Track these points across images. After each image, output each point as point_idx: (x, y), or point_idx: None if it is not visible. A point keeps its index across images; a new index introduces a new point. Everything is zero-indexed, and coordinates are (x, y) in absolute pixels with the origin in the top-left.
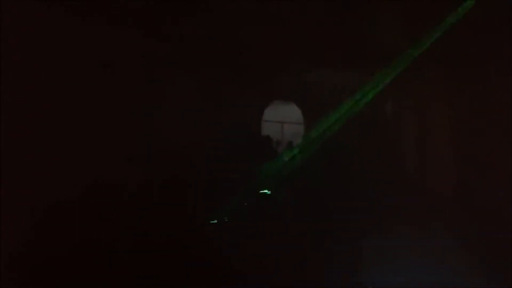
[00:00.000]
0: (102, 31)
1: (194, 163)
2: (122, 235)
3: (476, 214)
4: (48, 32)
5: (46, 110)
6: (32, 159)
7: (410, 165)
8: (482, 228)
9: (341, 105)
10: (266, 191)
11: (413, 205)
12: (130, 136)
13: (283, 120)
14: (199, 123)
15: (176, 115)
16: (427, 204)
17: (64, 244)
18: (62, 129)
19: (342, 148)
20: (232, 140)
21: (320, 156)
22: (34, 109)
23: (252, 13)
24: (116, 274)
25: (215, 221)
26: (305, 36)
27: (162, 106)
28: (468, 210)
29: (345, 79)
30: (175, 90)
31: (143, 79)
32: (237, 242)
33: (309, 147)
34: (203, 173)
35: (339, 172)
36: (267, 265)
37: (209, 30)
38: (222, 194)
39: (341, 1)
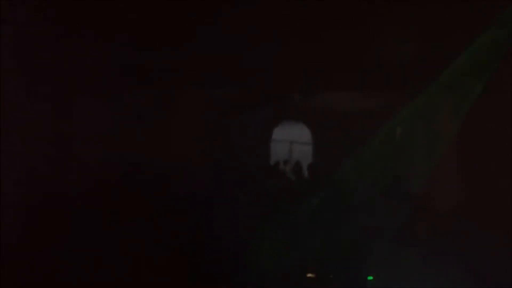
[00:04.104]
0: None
1: (203, 179)
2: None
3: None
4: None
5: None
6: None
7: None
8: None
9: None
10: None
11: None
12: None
13: (292, 139)
14: (208, 140)
15: (185, 132)
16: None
17: (65, 245)
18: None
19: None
20: (240, 158)
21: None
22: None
23: (264, 33)
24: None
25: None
26: (316, 57)
27: (171, 124)
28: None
29: (355, 101)
30: (185, 108)
31: (155, 95)
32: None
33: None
34: (211, 191)
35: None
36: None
37: (220, 50)
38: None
39: (355, 24)
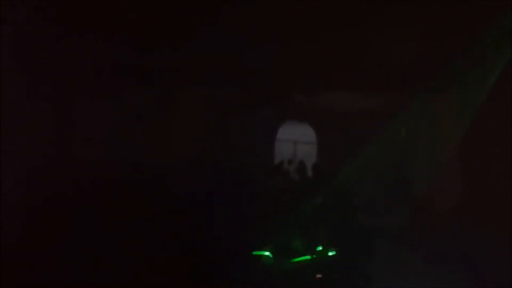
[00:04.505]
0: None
1: (203, 179)
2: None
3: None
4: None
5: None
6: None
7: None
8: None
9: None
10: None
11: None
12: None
13: (296, 139)
14: (208, 140)
15: (185, 132)
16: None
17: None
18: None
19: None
20: (241, 158)
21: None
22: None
23: (264, 33)
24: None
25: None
26: (316, 57)
27: (171, 124)
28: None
29: (358, 101)
30: (185, 108)
31: (155, 95)
32: None
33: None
34: (211, 191)
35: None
36: None
37: (220, 50)
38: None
39: (355, 24)
